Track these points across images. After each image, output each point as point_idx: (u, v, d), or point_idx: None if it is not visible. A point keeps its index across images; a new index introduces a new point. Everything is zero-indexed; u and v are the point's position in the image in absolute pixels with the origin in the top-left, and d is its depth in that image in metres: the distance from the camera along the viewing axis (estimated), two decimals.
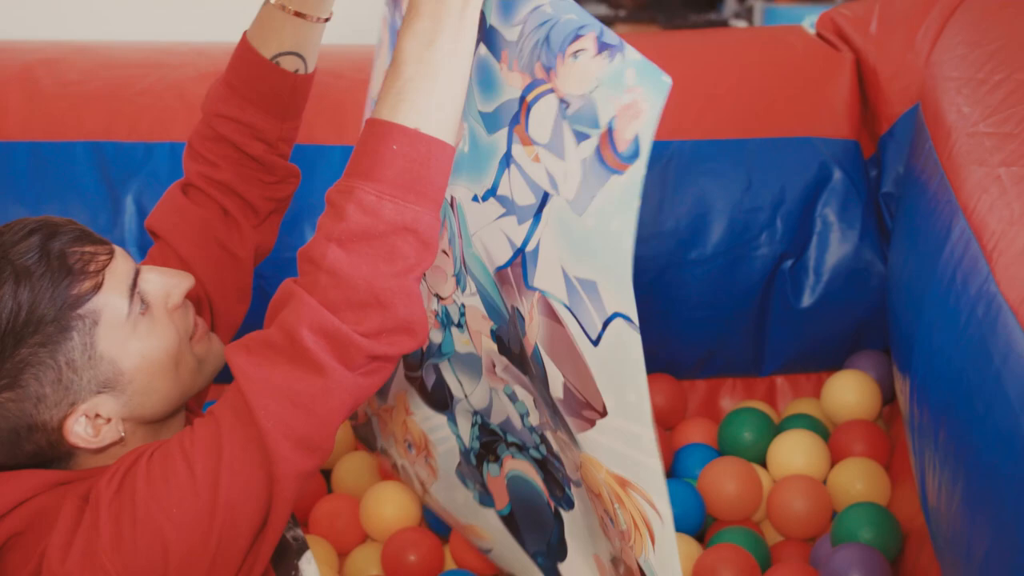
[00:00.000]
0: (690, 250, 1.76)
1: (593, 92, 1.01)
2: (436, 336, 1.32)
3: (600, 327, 1.03)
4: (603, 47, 1.00)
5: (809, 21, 3.96)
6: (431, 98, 1.05)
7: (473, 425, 1.36)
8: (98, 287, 1.10)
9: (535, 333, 1.13)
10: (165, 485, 1.04)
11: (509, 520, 1.40)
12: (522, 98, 1.07)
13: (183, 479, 1.04)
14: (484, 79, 1.12)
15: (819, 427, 1.80)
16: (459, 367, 1.32)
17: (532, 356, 1.15)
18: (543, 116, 1.05)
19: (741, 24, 4.13)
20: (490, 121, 1.12)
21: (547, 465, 1.27)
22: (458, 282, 1.24)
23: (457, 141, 1.10)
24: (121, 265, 1.13)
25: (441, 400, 1.38)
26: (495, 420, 1.31)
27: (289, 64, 1.31)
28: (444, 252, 1.25)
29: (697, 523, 1.64)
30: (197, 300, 1.31)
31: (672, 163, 1.76)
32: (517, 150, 1.09)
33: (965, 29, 1.70)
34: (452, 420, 1.38)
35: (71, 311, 1.09)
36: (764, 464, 1.75)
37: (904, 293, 1.50)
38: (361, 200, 1.02)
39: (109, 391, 1.11)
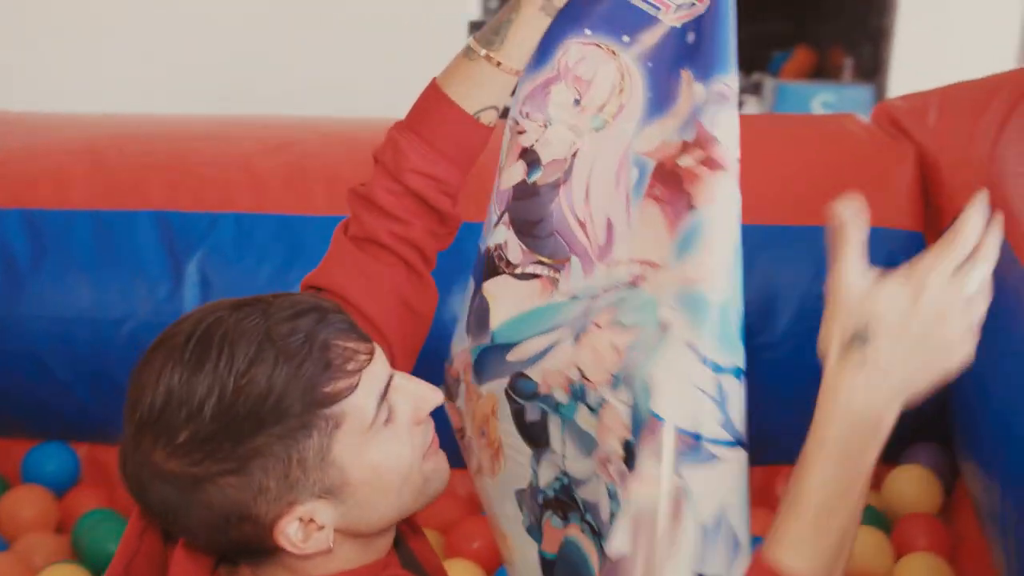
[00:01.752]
0: (757, 335, 1.75)
1: None
2: (561, 396, 1.27)
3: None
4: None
5: (820, 100, 4.04)
6: (836, 549, 0.97)
7: (557, 480, 1.32)
8: (352, 389, 1.03)
9: (638, 495, 1.09)
10: None
11: (547, 566, 1.36)
12: None
13: None
14: None
15: (881, 520, 1.79)
16: (571, 434, 1.28)
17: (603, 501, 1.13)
18: None
19: (752, 100, 4.18)
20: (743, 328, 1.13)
21: None
22: (614, 383, 1.20)
23: None
24: (379, 368, 1.06)
25: (535, 439, 1.34)
26: (583, 495, 1.28)
27: (489, 118, 1.27)
28: (614, 347, 1.20)
29: None
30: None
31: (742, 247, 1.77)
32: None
33: None
34: (536, 459, 1.35)
35: (319, 408, 1.02)
36: None
37: (983, 385, 1.49)
38: None
39: (330, 498, 1.04)
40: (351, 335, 1.05)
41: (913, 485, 1.78)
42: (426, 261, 1.29)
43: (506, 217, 1.35)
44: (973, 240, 0.95)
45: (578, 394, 1.26)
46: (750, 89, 4.02)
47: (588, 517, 1.28)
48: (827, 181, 1.84)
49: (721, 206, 1.16)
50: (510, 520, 1.40)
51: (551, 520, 1.33)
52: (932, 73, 2.24)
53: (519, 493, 1.37)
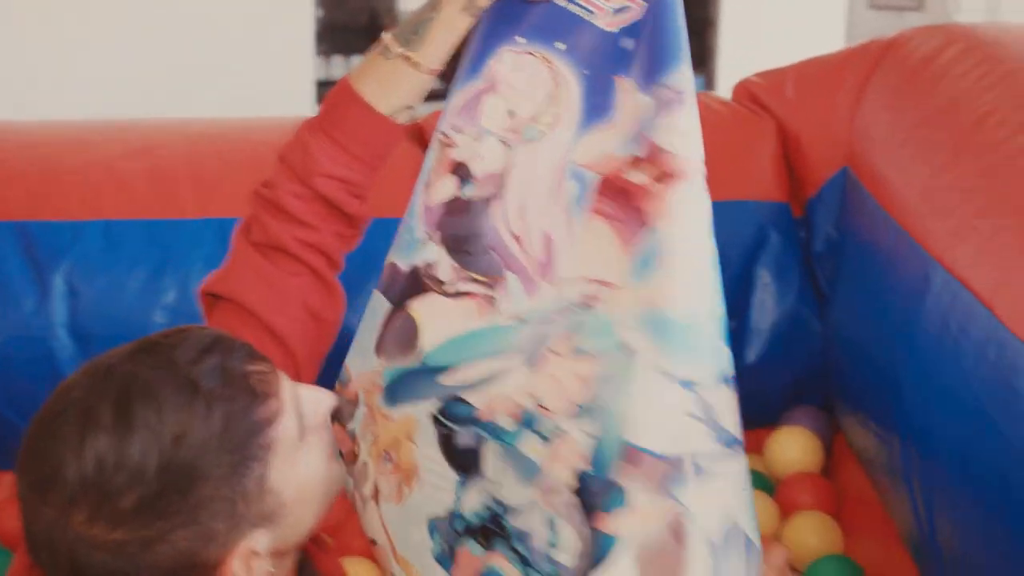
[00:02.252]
0: None
1: None
2: (507, 423, 1.22)
3: None
4: None
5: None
6: None
7: (485, 508, 1.28)
8: (280, 410, 1.01)
9: (631, 530, 1.07)
10: None
11: None
12: None
13: None
14: None
15: (764, 483, 1.84)
16: (509, 460, 1.23)
17: (602, 537, 1.09)
18: None
19: None
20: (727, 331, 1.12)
21: None
22: (578, 413, 1.15)
23: None
24: (286, 383, 1.04)
25: (463, 464, 1.30)
26: (516, 523, 1.23)
27: (404, 118, 1.23)
28: (579, 377, 1.16)
29: None
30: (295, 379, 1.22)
31: None
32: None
33: (887, 94, 1.79)
34: (462, 484, 1.32)
35: (254, 439, 0.99)
36: None
37: (869, 347, 1.55)
38: None
39: (268, 525, 1.02)
40: (255, 359, 1.03)
41: (794, 446, 1.83)
42: (333, 266, 1.27)
43: (437, 236, 1.30)
44: None
45: (528, 422, 1.22)
46: None
47: (517, 545, 1.24)
48: None
49: (682, 221, 1.13)
50: (415, 548, 1.35)
51: (470, 547, 1.29)
52: (759, 60, 2.30)
53: (434, 520, 1.32)
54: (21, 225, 1.74)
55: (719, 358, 1.07)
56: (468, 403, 1.26)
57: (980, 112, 1.43)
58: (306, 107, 2.23)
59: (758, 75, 2.04)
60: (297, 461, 1.04)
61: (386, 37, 1.21)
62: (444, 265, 1.30)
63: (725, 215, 1.81)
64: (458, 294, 1.29)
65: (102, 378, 0.98)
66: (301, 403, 1.06)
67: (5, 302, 1.74)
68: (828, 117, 1.86)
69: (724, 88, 3.70)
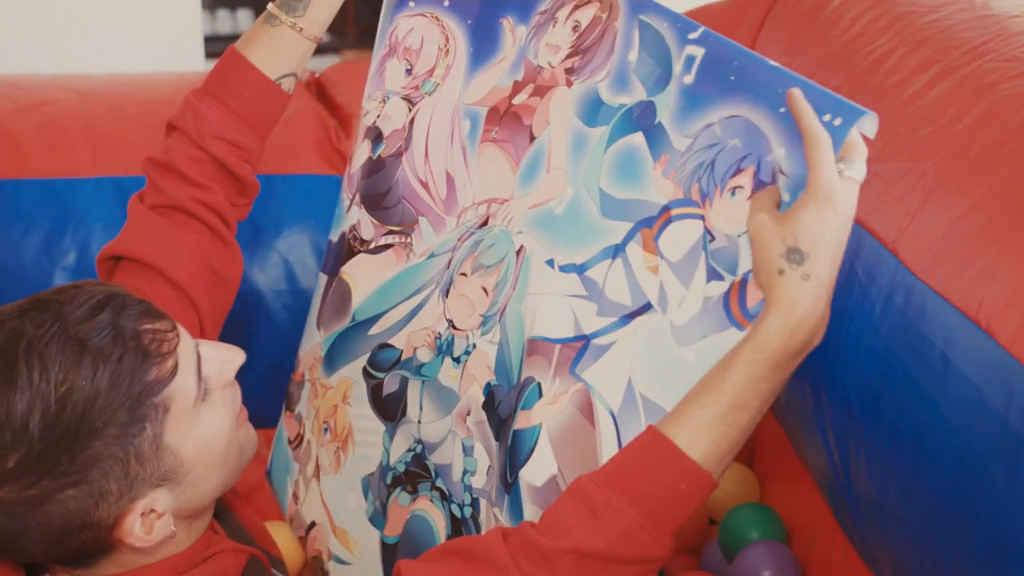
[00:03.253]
0: None
1: (740, 237, 1.02)
2: (425, 355, 1.29)
3: None
4: (758, 186, 1.01)
5: None
6: (733, 446, 0.99)
7: (409, 451, 1.32)
8: (174, 370, 1.00)
9: (547, 415, 1.11)
10: None
11: (389, 551, 1.37)
12: (665, 208, 1.06)
13: None
14: (627, 169, 1.10)
15: None
16: (429, 394, 1.29)
17: (522, 432, 1.13)
18: (682, 237, 1.05)
19: None
20: (610, 206, 1.11)
21: (462, 527, 1.25)
22: (484, 323, 1.21)
23: None
24: (187, 343, 1.03)
25: (389, 411, 1.34)
26: (435, 459, 1.28)
27: (288, 85, 1.28)
28: (484, 289, 1.22)
29: None
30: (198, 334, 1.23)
31: None
32: (633, 250, 1.08)
33: (781, 40, 1.78)
34: (389, 434, 1.35)
35: (147, 399, 0.98)
36: None
37: None
38: (627, 528, 0.97)
39: (167, 484, 1.01)
40: (152, 316, 1.01)
41: None
42: (228, 227, 1.29)
43: (357, 197, 1.38)
44: (828, 139, 0.97)
45: (443, 348, 1.26)
46: None
47: (439, 482, 1.29)
48: None
49: (556, 120, 1.17)
50: (351, 514, 1.39)
51: (398, 498, 1.33)
52: None
53: (366, 480, 1.37)
54: None
55: (602, 235, 1.10)
56: (393, 346, 1.32)
57: (874, 56, 1.42)
58: (194, 62, 2.18)
59: None
60: (197, 421, 1.03)
61: (271, 7, 1.26)
62: (366, 223, 1.37)
63: None
64: (379, 248, 1.36)
65: None
66: (204, 363, 1.04)
67: None
68: None
69: None
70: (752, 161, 1.03)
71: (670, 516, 0.98)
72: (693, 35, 1.09)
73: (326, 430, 1.41)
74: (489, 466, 1.20)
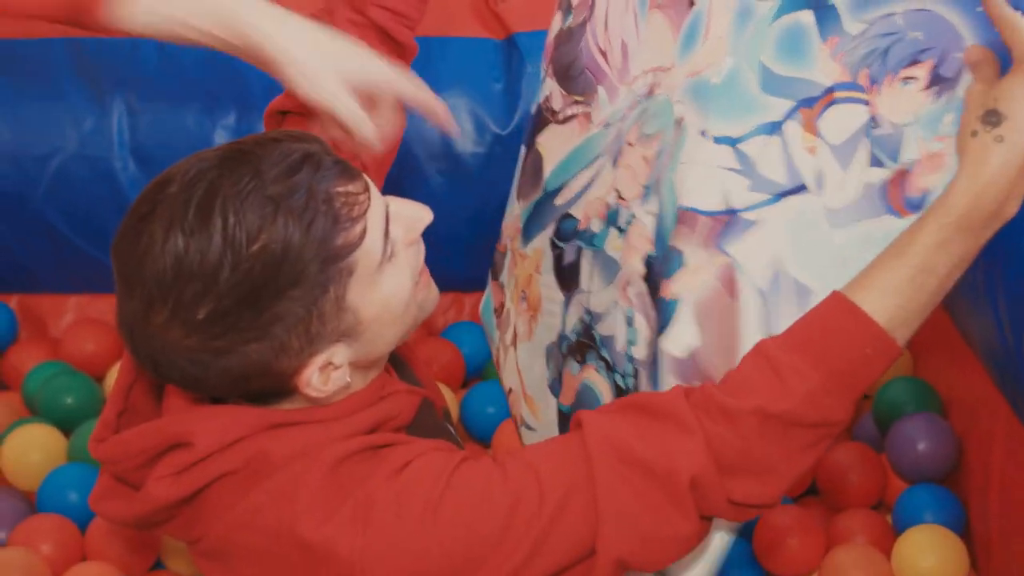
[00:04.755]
0: None
1: (907, 126, 1.00)
2: (597, 225, 1.28)
3: None
4: (935, 80, 0.99)
5: None
6: (919, 313, 0.98)
7: (580, 321, 1.34)
8: (362, 235, 1.00)
9: (688, 288, 1.10)
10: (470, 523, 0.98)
11: (564, 419, 1.39)
12: (829, 90, 1.04)
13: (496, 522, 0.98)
14: (792, 45, 1.07)
15: None
16: (597, 264, 1.30)
17: (664, 301, 1.13)
18: (845, 121, 1.03)
19: None
20: (772, 82, 1.08)
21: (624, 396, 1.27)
22: (645, 194, 1.20)
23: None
24: (377, 206, 1.03)
25: (567, 281, 1.36)
26: (600, 330, 1.29)
27: None
28: (644, 159, 1.20)
29: None
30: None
31: None
32: (792, 129, 1.06)
33: None
34: (566, 304, 1.37)
35: (334, 263, 0.99)
36: None
37: None
38: (811, 391, 0.97)
39: (346, 340, 1.02)
40: (346, 177, 1.01)
41: None
42: None
43: (549, 69, 1.37)
44: None
45: (611, 218, 1.26)
46: None
47: (604, 353, 1.30)
48: None
49: None
50: (537, 382, 1.42)
51: (570, 368, 1.35)
52: None
53: (549, 348, 1.39)
54: (73, 42, 1.70)
55: (761, 110, 1.07)
56: (573, 216, 1.31)
57: None
58: None
59: None
60: (380, 282, 1.04)
61: None
62: (555, 94, 1.37)
63: None
64: (567, 119, 1.35)
65: (191, 182, 0.98)
66: (392, 221, 1.05)
67: (63, 121, 1.72)
68: None
69: None
70: (933, 55, 1.01)
71: (854, 381, 0.98)
72: None
73: (523, 298, 1.44)
74: (649, 337, 1.21)
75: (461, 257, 1.82)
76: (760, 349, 1.00)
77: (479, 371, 1.94)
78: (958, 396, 1.54)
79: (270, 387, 1.03)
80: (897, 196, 1.00)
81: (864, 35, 1.03)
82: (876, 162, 1.01)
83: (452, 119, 1.20)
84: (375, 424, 1.06)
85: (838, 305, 0.98)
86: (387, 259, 1.04)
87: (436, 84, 1.70)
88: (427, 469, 1.00)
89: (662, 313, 1.13)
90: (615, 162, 1.26)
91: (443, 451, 1.04)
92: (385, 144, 1.22)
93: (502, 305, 1.48)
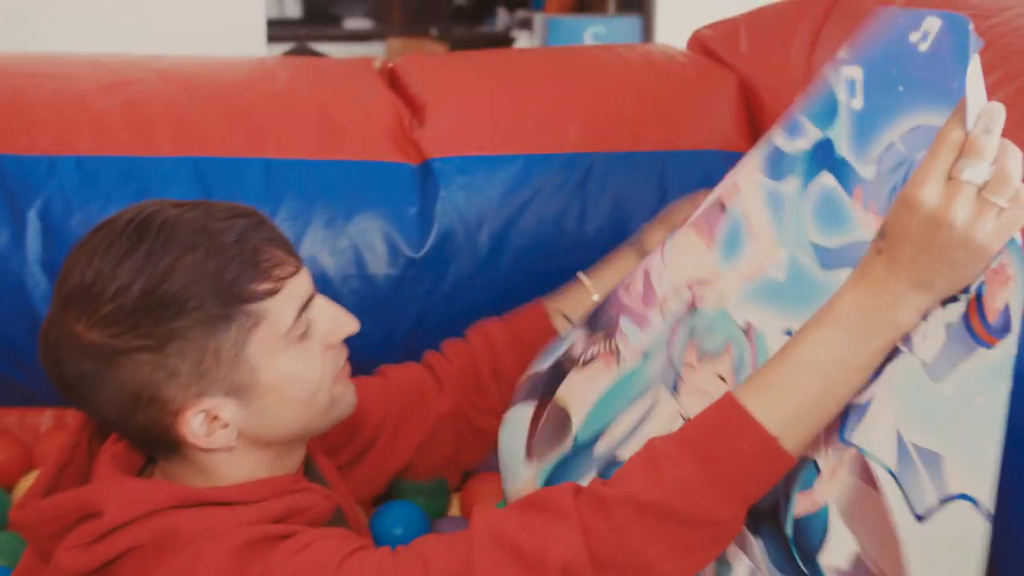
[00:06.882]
0: None
1: None
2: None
3: (934, 504, 0.98)
4: None
5: (591, 32, 4.14)
6: (807, 415, 0.99)
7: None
8: (274, 293, 1.07)
9: (831, 492, 1.04)
10: None
11: None
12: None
13: None
14: (829, 213, 1.05)
15: None
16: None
17: (808, 518, 1.06)
18: None
19: (524, 35, 4.27)
20: (827, 257, 1.05)
21: None
22: None
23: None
24: (302, 283, 1.11)
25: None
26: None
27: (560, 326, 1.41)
28: (720, 377, 1.15)
29: None
30: (375, 431, 1.37)
31: (592, 174, 1.84)
32: None
33: (842, 41, 1.83)
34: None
35: (240, 304, 1.05)
36: None
37: None
38: (683, 480, 0.98)
39: (237, 397, 1.07)
40: (283, 248, 1.09)
41: None
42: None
43: (580, 321, 1.37)
44: (957, 140, 0.93)
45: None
46: (520, 25, 4.09)
47: None
48: (658, 108, 1.93)
49: (745, 184, 1.15)
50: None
51: None
52: (696, 1, 2.33)
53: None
54: None
55: (829, 290, 1.03)
56: (622, 462, 1.17)
57: None
58: (256, 46, 2.23)
59: (709, 27, 2.07)
60: (287, 354, 1.09)
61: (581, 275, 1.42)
62: (578, 341, 1.35)
63: (688, 164, 1.90)
64: (589, 360, 1.31)
65: (142, 210, 1.07)
66: (312, 308, 1.11)
67: None
68: (784, 65, 1.89)
69: (662, 31, 3.69)
70: None
71: (737, 479, 0.98)
72: (843, 55, 1.06)
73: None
74: (753, 569, 1.11)
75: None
76: (648, 443, 1.03)
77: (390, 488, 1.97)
78: None
79: (156, 423, 1.06)
80: (979, 325, 0.96)
81: (879, 176, 1.02)
82: (948, 300, 0.98)
83: None
84: (284, 513, 1.09)
85: (723, 402, 1.01)
86: (298, 338, 1.09)
87: (351, 207, 1.76)
88: (323, 552, 1.04)
89: (807, 530, 1.06)
90: (674, 389, 1.20)
91: (341, 538, 1.07)
92: None
93: None
